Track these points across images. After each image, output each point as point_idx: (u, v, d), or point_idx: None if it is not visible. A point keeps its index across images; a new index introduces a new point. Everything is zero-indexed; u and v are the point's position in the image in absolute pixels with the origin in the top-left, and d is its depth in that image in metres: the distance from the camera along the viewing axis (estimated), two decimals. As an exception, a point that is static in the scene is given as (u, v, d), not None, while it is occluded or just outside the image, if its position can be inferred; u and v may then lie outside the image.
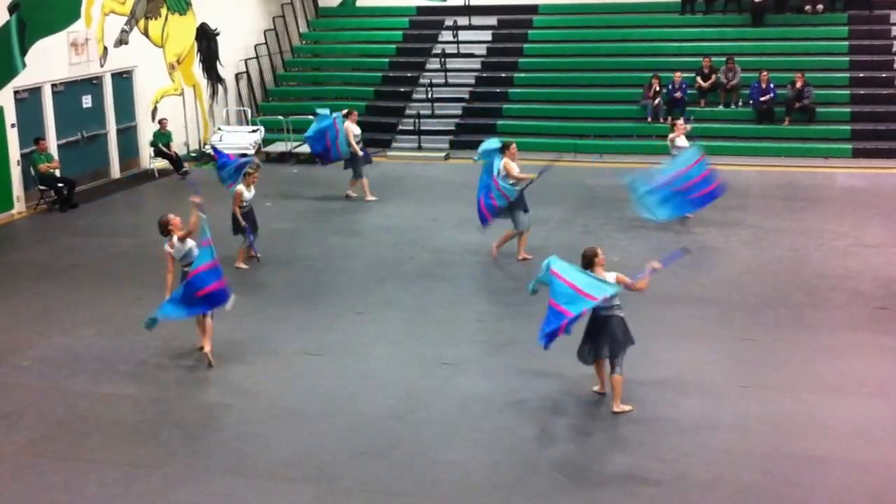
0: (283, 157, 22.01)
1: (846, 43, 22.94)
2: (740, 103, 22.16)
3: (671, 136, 16.66)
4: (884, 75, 22.11)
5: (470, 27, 25.52)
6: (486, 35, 25.28)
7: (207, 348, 10.90)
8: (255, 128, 22.96)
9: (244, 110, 24.52)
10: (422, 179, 20.07)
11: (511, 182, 14.00)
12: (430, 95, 23.43)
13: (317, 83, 25.57)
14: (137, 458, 8.96)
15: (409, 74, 24.64)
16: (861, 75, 22.20)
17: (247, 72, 24.75)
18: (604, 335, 9.60)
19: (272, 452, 9.01)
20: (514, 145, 14.33)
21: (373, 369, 10.80)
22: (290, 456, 8.94)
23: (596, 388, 10.04)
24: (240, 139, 22.09)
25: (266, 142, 22.77)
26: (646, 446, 8.98)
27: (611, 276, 9.57)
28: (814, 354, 10.96)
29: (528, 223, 14.31)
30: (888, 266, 13.59)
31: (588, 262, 9.63)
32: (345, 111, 18.27)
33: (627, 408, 9.64)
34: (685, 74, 22.11)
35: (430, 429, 9.42)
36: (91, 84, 20.01)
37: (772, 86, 21.41)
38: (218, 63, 23.98)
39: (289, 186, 19.24)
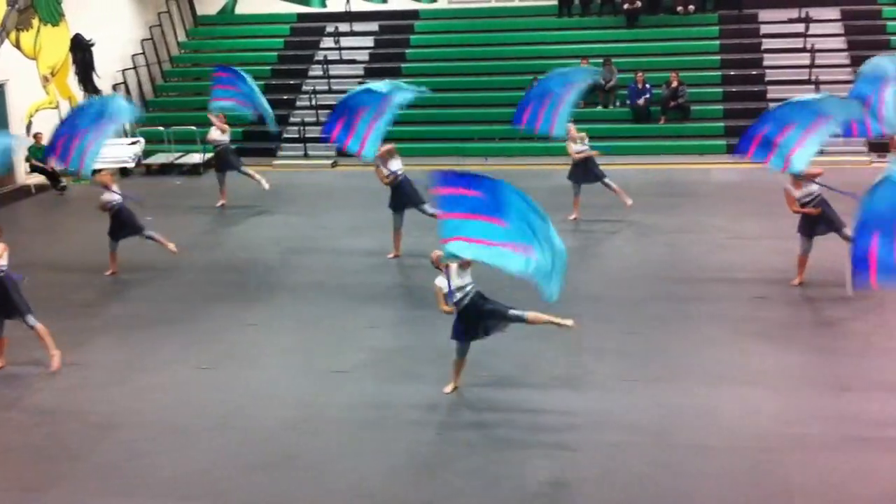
0: (166, 169, 21.60)
1: (717, 42, 23.71)
2: (618, 104, 22.69)
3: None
4: (754, 72, 22.89)
5: (352, 33, 25.49)
6: (369, 41, 25.30)
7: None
8: (134, 140, 22.44)
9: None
10: (309, 187, 19.95)
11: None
12: (314, 103, 23.32)
13: (198, 93, 25.10)
14: (25, 482, 8.71)
15: (291, 82, 24.48)
16: (732, 73, 22.97)
17: (125, 83, 24.17)
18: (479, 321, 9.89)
19: (163, 471, 8.85)
20: (390, 146, 15.04)
21: (264, 381, 10.69)
22: (181, 474, 8.79)
23: (448, 388, 10.20)
24: (119, 152, 21.53)
25: (147, 154, 22.30)
26: (539, 445, 9.11)
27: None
28: (697, 346, 11.28)
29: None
30: (764, 257, 14.08)
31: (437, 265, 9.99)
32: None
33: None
34: (564, 76, 22.48)
35: (325, 438, 9.39)
36: (-40, 98, 19.34)
37: (648, 86, 21.97)
38: (94, 74, 23.38)
39: (172, 198, 18.88)
